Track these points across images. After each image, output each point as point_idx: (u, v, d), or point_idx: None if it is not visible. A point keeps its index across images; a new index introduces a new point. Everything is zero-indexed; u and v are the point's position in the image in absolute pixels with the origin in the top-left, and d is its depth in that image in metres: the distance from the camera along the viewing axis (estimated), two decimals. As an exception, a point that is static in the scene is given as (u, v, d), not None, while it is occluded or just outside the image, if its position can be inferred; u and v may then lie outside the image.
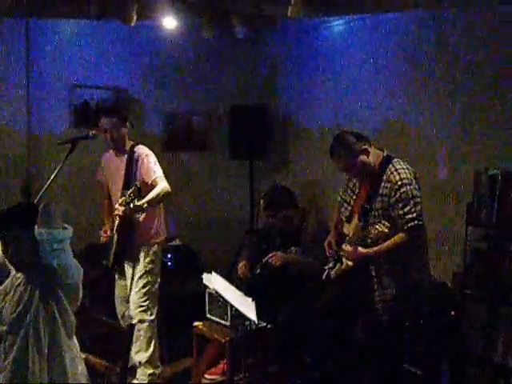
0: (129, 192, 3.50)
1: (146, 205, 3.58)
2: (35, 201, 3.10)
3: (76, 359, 2.43)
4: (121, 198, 3.60)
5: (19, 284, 2.41)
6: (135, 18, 4.10)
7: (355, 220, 3.22)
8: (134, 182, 3.65)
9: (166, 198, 3.73)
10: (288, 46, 5.41)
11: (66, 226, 2.42)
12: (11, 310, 2.36)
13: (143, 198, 3.56)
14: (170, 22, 4.52)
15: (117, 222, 3.69)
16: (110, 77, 5.04)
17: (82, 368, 2.46)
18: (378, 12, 4.43)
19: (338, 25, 4.91)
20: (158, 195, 3.64)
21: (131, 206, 3.50)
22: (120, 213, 3.58)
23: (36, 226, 2.32)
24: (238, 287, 3.79)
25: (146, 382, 3.83)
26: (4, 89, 4.60)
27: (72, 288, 2.41)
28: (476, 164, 3.80)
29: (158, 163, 3.80)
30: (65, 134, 4.61)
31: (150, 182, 3.70)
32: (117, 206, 3.59)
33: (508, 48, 3.76)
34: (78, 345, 2.49)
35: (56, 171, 3.34)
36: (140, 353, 3.80)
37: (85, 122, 4.76)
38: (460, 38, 4.02)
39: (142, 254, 3.79)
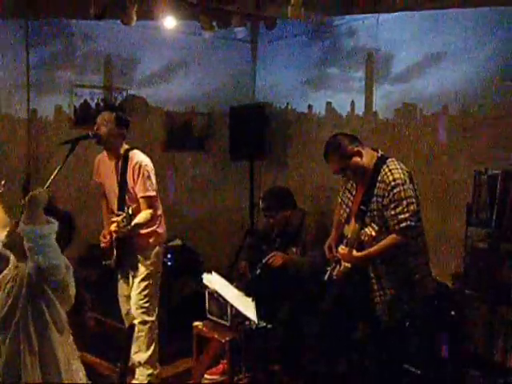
0: (121, 217, 3.47)
1: (134, 229, 3.59)
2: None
3: (70, 356, 2.41)
4: (116, 215, 3.57)
5: (7, 282, 2.38)
6: (135, 18, 4.11)
7: (353, 221, 3.21)
8: (127, 195, 3.68)
9: (147, 223, 3.74)
10: (287, 46, 5.41)
11: (50, 219, 2.35)
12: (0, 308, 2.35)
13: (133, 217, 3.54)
14: (170, 22, 4.52)
15: (114, 236, 3.67)
16: (110, 77, 5.04)
17: (77, 365, 2.44)
18: (377, 12, 4.43)
19: (336, 25, 4.91)
20: (144, 222, 3.67)
21: (123, 230, 3.49)
22: (115, 235, 3.60)
23: (21, 222, 2.28)
24: (237, 287, 3.80)
25: (145, 382, 3.82)
26: (4, 89, 4.60)
27: (61, 285, 2.37)
28: (476, 164, 3.81)
29: (153, 174, 3.75)
30: (65, 134, 4.61)
31: (138, 196, 3.70)
32: (112, 228, 3.56)
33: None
34: (73, 342, 2.46)
35: (56, 171, 3.33)
36: (139, 353, 3.80)
37: (85, 121, 4.75)
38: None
39: (142, 258, 3.80)
